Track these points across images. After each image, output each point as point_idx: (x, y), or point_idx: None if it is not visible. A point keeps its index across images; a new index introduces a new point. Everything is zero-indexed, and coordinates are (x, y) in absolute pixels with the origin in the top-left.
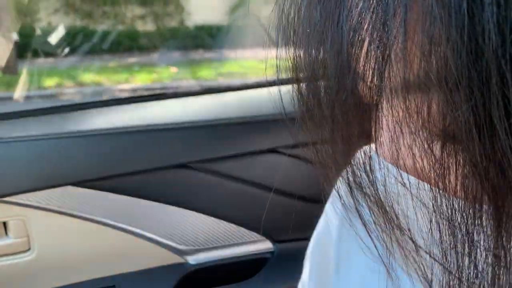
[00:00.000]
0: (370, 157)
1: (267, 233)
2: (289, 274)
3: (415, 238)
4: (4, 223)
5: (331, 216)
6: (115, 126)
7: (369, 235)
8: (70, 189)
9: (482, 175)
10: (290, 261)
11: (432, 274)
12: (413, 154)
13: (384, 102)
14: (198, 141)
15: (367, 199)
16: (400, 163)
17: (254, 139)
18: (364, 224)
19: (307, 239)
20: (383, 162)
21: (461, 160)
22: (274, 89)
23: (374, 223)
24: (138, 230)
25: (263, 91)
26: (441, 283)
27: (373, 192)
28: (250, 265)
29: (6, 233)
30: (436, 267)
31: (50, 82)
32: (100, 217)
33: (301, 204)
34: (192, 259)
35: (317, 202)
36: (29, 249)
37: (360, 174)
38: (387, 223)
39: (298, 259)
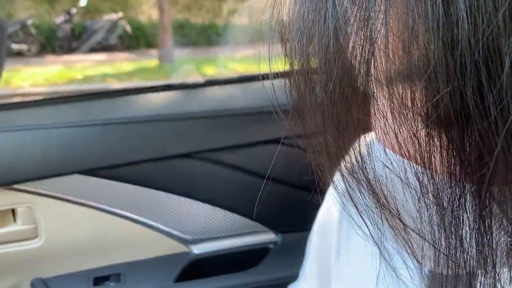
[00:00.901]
0: (359, 143)
1: (270, 224)
2: (291, 264)
3: (403, 218)
4: (13, 210)
5: (332, 202)
6: (121, 116)
7: (361, 217)
8: (77, 177)
9: (462, 157)
10: (292, 251)
11: (422, 251)
12: (399, 139)
13: (373, 91)
14: (201, 132)
15: (359, 183)
16: (388, 148)
17: (257, 130)
18: (356, 206)
19: (309, 229)
20: (372, 147)
21: (444, 144)
22: (270, 82)
23: (366, 205)
24: (143, 219)
25: (266, 83)
26: (430, 260)
27: (364, 176)
28: (253, 255)
29: (14, 220)
30: (426, 244)
31: (210, 71)
32: (106, 206)
33: (303, 195)
34: (196, 249)
35: (319, 193)
36: (36, 236)
37: (352, 160)
38: (377, 205)
39: (300, 249)
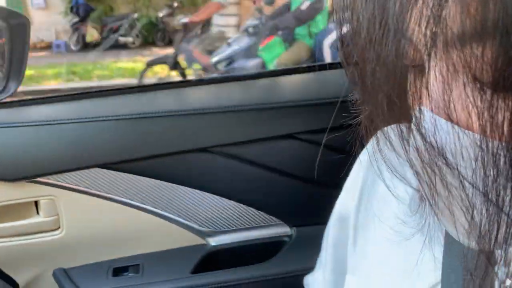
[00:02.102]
0: (420, 110)
1: (284, 217)
2: (306, 257)
3: (460, 172)
4: (36, 203)
5: (350, 190)
6: (141, 111)
7: (417, 176)
8: (98, 170)
9: None
10: (306, 244)
11: (473, 210)
12: (464, 99)
13: (437, 52)
14: (218, 127)
15: (416, 141)
16: (449, 113)
17: (272, 125)
18: (409, 162)
19: (324, 223)
20: (432, 115)
21: (511, 103)
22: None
23: (420, 161)
24: (161, 212)
25: (283, 78)
26: (482, 217)
27: (424, 133)
28: (268, 248)
29: (37, 212)
30: (478, 204)
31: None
32: (125, 198)
33: (318, 189)
34: (213, 241)
35: (333, 187)
36: (58, 227)
37: (407, 127)
38: (434, 160)
39: (314, 243)
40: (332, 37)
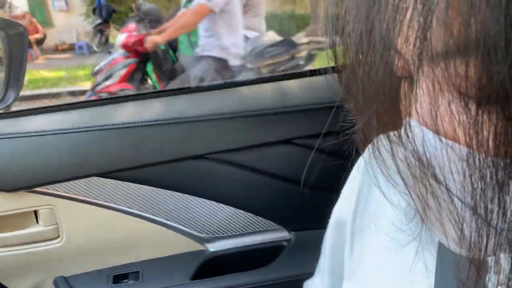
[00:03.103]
0: (409, 124)
1: (283, 222)
2: (305, 261)
3: (450, 189)
4: (35, 212)
5: (348, 195)
6: (138, 120)
7: (406, 189)
8: (96, 179)
9: None
10: (305, 249)
11: (463, 223)
12: (450, 114)
13: (423, 69)
14: (215, 133)
15: (405, 155)
16: (437, 127)
17: (269, 131)
18: (401, 176)
19: (322, 228)
20: (420, 128)
21: (494, 119)
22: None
23: (410, 175)
24: (160, 219)
25: (278, 84)
26: (471, 230)
27: (412, 147)
28: (267, 253)
29: (37, 221)
30: (467, 216)
31: None
32: (124, 206)
33: (315, 194)
34: (212, 247)
35: (332, 192)
36: (58, 236)
37: (397, 137)
38: (423, 174)
39: (313, 247)
40: None
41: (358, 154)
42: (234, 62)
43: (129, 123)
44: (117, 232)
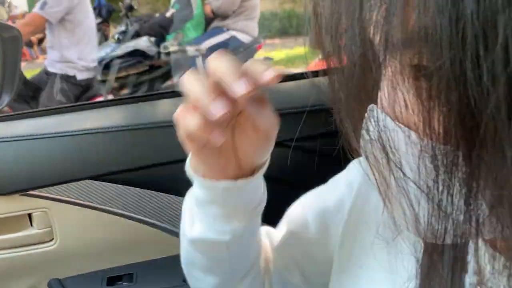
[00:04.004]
0: (372, 111)
1: (272, 223)
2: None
3: (405, 171)
4: (29, 215)
5: (345, 190)
6: (131, 123)
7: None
8: (90, 182)
9: (457, 121)
10: None
11: (419, 205)
12: (406, 102)
13: (387, 59)
14: None
15: (373, 142)
16: (395, 113)
17: None
18: (367, 160)
19: None
20: (381, 114)
21: (444, 109)
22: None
23: (377, 161)
24: (153, 221)
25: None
26: (425, 213)
27: (376, 135)
28: None
29: (31, 224)
30: (423, 200)
31: None
32: (117, 209)
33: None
34: None
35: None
36: (52, 239)
37: (367, 124)
38: (384, 159)
39: None
40: (205, 46)
41: (346, 155)
42: (82, 76)
43: (123, 126)
44: (111, 234)
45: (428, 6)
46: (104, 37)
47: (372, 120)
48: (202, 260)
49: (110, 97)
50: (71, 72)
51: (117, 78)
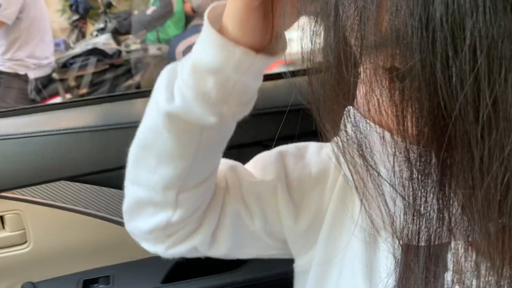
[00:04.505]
0: (349, 112)
1: None
2: (274, 262)
3: (380, 170)
4: (1, 217)
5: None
6: (107, 123)
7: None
8: (64, 183)
9: (429, 122)
10: None
11: (394, 205)
12: (380, 103)
13: (363, 62)
14: None
15: (350, 142)
16: (370, 113)
17: (241, 133)
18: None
19: None
20: (357, 114)
21: (416, 110)
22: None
23: (354, 160)
24: None
25: None
26: (400, 213)
27: (353, 135)
28: None
29: (3, 226)
30: (398, 200)
31: None
32: (93, 210)
33: None
34: None
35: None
36: (26, 241)
37: (344, 126)
38: (360, 158)
39: None
40: (185, 44)
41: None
42: (34, 74)
43: (97, 126)
44: (86, 236)
45: (400, 9)
46: (81, 35)
47: (348, 120)
48: (165, 142)
49: (68, 96)
50: (21, 71)
51: (77, 77)
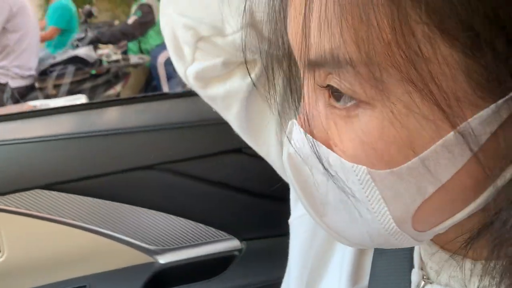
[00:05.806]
0: (291, 124)
1: (234, 232)
2: (257, 270)
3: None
4: None
5: None
6: (82, 130)
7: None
8: (39, 192)
9: (363, 141)
10: (257, 258)
11: (339, 214)
12: (319, 117)
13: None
14: (164, 143)
15: (292, 155)
16: (311, 127)
17: (219, 140)
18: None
19: (273, 236)
20: (297, 127)
21: (355, 125)
22: None
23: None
24: (107, 231)
25: None
26: (345, 220)
27: (290, 144)
28: (218, 263)
29: None
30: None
31: None
32: (70, 219)
33: (266, 202)
34: (162, 259)
35: (282, 200)
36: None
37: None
38: (303, 171)
39: (264, 256)
40: (166, 55)
41: None
42: (15, 83)
43: (72, 134)
44: (62, 246)
45: (330, 29)
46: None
47: (289, 134)
48: None
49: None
50: (2, 80)
51: (55, 85)
